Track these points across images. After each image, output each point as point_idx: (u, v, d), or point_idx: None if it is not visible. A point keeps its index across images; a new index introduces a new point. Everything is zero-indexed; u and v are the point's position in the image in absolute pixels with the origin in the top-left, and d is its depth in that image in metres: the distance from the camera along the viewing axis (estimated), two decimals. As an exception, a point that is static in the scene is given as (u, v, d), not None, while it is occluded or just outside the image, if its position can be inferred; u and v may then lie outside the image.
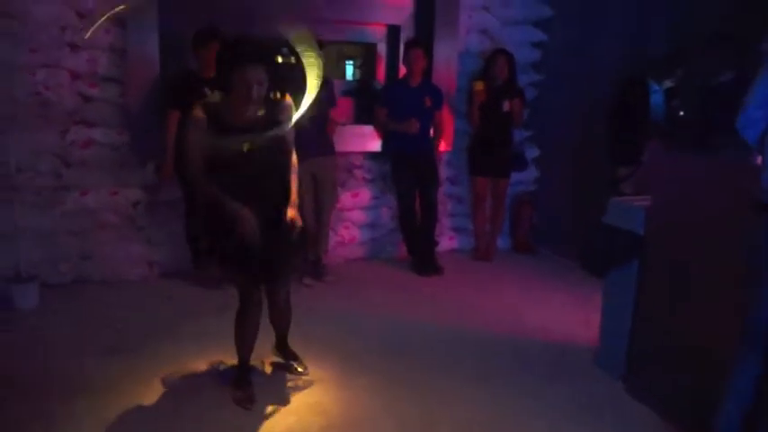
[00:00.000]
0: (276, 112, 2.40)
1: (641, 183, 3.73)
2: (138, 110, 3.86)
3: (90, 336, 3.19)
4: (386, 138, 4.50)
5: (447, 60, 4.66)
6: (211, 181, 2.34)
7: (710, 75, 3.83)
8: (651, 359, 2.69)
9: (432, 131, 4.50)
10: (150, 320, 3.41)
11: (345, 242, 4.71)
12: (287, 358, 2.88)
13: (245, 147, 2.32)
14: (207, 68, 3.65)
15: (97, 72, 3.81)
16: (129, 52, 3.80)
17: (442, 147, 4.62)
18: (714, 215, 2.34)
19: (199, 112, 2.32)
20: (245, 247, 2.35)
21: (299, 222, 2.46)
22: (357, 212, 4.72)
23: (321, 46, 4.02)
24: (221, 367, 2.83)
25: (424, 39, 4.50)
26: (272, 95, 2.41)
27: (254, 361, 2.76)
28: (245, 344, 2.61)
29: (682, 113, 4.10)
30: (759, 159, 2.05)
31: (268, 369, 2.89)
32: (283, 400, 2.62)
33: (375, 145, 4.57)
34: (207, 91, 3.51)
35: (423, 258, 4.53)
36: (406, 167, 4.43)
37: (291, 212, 2.44)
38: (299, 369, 2.84)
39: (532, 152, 5.11)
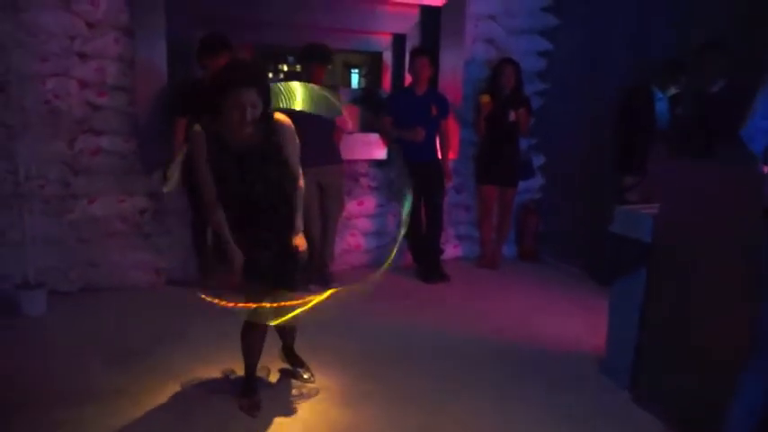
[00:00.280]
0: (271, 133, 2.39)
1: (648, 191, 3.72)
2: (146, 118, 3.89)
3: (98, 343, 3.20)
4: (391, 146, 4.52)
5: (453, 69, 4.69)
6: (217, 206, 2.39)
7: (702, 83, 3.84)
8: (658, 368, 2.68)
9: (438, 140, 4.50)
10: (158, 328, 3.42)
11: (351, 249, 4.72)
12: (293, 365, 2.89)
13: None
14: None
15: (106, 81, 3.84)
16: (137, 61, 3.84)
17: (451, 155, 4.62)
18: (722, 223, 2.34)
19: (198, 128, 2.35)
20: (248, 268, 2.41)
21: (305, 250, 2.52)
22: (363, 220, 4.73)
23: (329, 54, 4.07)
24: (232, 376, 2.84)
25: (429, 47, 4.53)
26: (267, 116, 2.39)
27: (260, 370, 2.77)
28: (251, 354, 2.62)
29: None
30: (766, 168, 2.05)
31: (275, 377, 2.90)
32: (289, 408, 2.62)
33: (381, 153, 4.59)
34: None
35: (428, 266, 4.53)
36: (412, 175, 4.43)
37: (298, 241, 2.50)
38: (305, 376, 2.85)
39: (538, 160, 5.11)
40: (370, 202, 4.71)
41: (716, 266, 2.37)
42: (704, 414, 2.31)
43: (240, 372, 2.73)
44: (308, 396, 2.73)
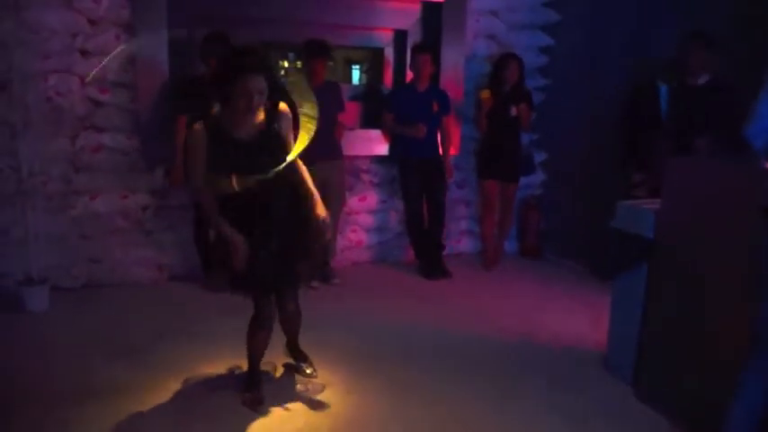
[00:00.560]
0: (274, 122, 2.40)
1: (656, 188, 3.71)
2: (148, 115, 3.89)
3: (101, 339, 3.21)
4: (393, 142, 4.52)
5: (454, 65, 4.68)
6: (213, 199, 2.36)
7: (687, 76, 3.83)
8: (660, 364, 2.68)
9: (439, 136, 4.50)
10: (160, 324, 3.43)
11: (353, 246, 4.73)
12: (297, 359, 2.91)
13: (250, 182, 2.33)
14: (215, 73, 3.68)
15: (107, 78, 3.84)
16: (138, 58, 3.84)
17: (451, 151, 4.62)
18: (724, 220, 2.34)
19: (198, 126, 2.33)
20: (255, 265, 2.39)
21: (328, 219, 2.48)
22: (364, 216, 4.73)
23: (330, 50, 4.07)
24: (237, 371, 2.85)
25: (431, 43, 4.52)
26: (267, 104, 2.39)
27: (266, 365, 2.79)
28: (256, 350, 2.63)
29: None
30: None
31: (279, 372, 2.91)
32: (292, 403, 2.63)
33: (382, 149, 4.59)
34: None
35: (430, 262, 4.53)
36: (414, 172, 4.44)
37: (320, 210, 2.47)
38: (308, 371, 2.86)
39: (539, 156, 5.11)
40: (372, 198, 4.72)
41: (717, 264, 2.37)
42: (706, 411, 2.32)
43: (245, 367, 2.74)
44: (311, 391, 2.75)
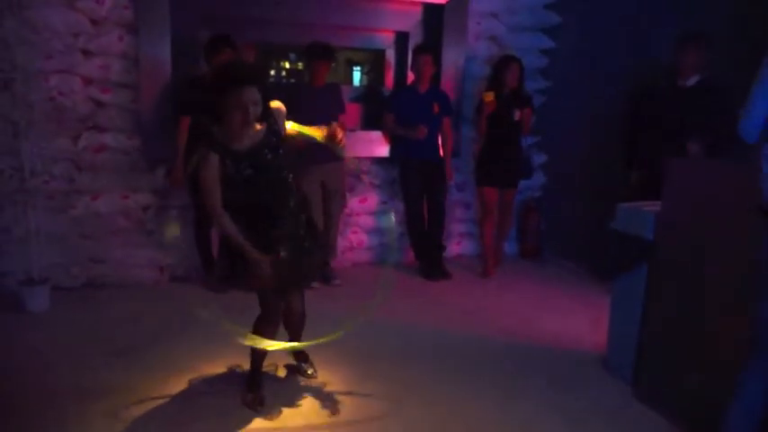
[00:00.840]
0: (271, 121, 2.40)
1: (652, 188, 3.73)
2: (150, 115, 3.91)
3: (101, 339, 3.22)
4: (394, 143, 4.53)
5: (455, 67, 4.69)
6: (229, 219, 2.35)
7: (678, 77, 3.85)
8: (660, 364, 2.69)
9: (440, 138, 4.50)
10: (161, 324, 3.44)
11: (353, 247, 4.74)
12: (298, 360, 2.91)
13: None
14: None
15: (110, 78, 3.86)
16: (141, 58, 3.85)
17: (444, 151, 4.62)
18: (724, 220, 2.35)
19: (209, 153, 2.30)
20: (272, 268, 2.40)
21: (340, 132, 2.48)
22: (365, 217, 4.74)
23: (332, 52, 4.09)
24: (238, 370, 2.86)
25: (432, 45, 4.53)
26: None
27: (267, 366, 2.80)
28: (260, 349, 2.62)
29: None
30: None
31: (280, 373, 2.92)
32: (293, 403, 2.64)
33: (383, 150, 4.60)
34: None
35: (430, 263, 4.54)
36: (414, 173, 4.45)
37: (336, 129, 2.47)
38: (309, 371, 2.87)
39: (540, 158, 5.12)
40: (373, 200, 4.73)
41: (717, 265, 2.38)
42: (706, 411, 2.32)
43: (246, 367, 2.75)
44: (312, 391, 2.75)
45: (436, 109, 4.37)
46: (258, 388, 2.64)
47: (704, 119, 3.66)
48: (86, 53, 3.80)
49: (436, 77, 4.54)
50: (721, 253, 2.36)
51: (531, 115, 4.54)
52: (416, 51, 4.37)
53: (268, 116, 2.38)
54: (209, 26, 3.98)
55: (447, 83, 4.65)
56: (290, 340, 2.90)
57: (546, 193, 5.29)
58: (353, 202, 4.61)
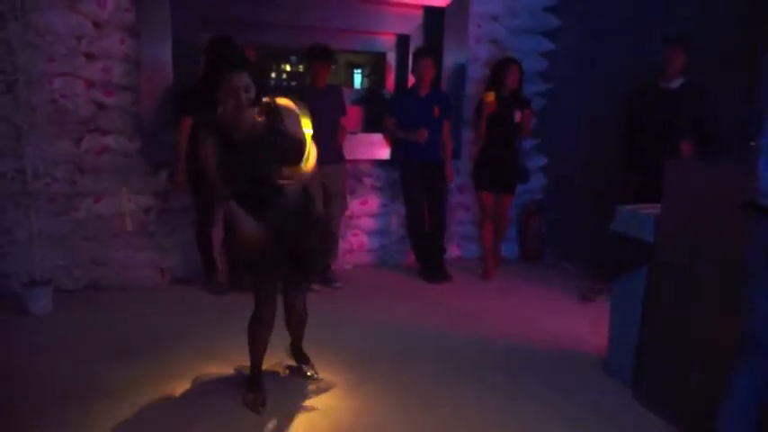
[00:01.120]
0: (277, 119, 2.40)
1: (646, 188, 3.75)
2: (152, 118, 3.92)
3: (102, 341, 3.23)
4: (394, 146, 4.54)
5: (456, 70, 4.71)
6: (227, 186, 2.37)
7: (662, 79, 3.88)
8: (660, 367, 2.69)
9: (442, 140, 4.51)
10: (162, 325, 3.45)
11: (354, 249, 4.75)
12: (299, 361, 2.92)
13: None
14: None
15: (111, 81, 3.88)
16: (142, 61, 3.87)
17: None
18: (724, 222, 2.35)
19: (207, 137, 2.36)
20: (267, 253, 2.40)
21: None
22: (366, 220, 4.75)
23: (332, 54, 4.11)
24: (244, 371, 2.82)
25: (433, 48, 4.55)
26: (268, 102, 2.40)
27: (273, 366, 2.83)
28: (257, 349, 2.64)
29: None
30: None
31: (281, 373, 2.92)
32: (294, 405, 2.64)
33: (384, 153, 4.61)
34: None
35: (431, 266, 4.55)
36: (415, 176, 4.47)
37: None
38: (309, 373, 2.88)
39: (540, 161, 5.13)
40: (374, 202, 4.74)
41: (717, 266, 2.38)
42: (706, 412, 2.32)
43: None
44: (313, 393, 2.76)
45: (437, 112, 4.38)
46: (259, 388, 2.65)
47: (690, 120, 3.73)
48: (88, 56, 3.82)
49: (437, 80, 4.55)
50: (721, 255, 2.36)
51: (532, 117, 4.53)
52: (417, 54, 4.38)
53: (274, 112, 2.38)
54: (211, 29, 3.99)
55: (447, 86, 4.66)
56: (291, 342, 2.92)
57: (546, 196, 5.30)
58: (354, 205, 4.62)
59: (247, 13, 4.19)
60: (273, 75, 5.31)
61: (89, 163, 3.91)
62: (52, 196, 3.83)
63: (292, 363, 2.95)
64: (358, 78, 5.35)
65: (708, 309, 2.43)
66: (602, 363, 3.10)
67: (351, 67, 5.34)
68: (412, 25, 4.69)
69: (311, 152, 2.49)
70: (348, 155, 4.31)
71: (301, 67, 5.18)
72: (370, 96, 4.89)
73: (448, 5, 4.57)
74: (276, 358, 2.92)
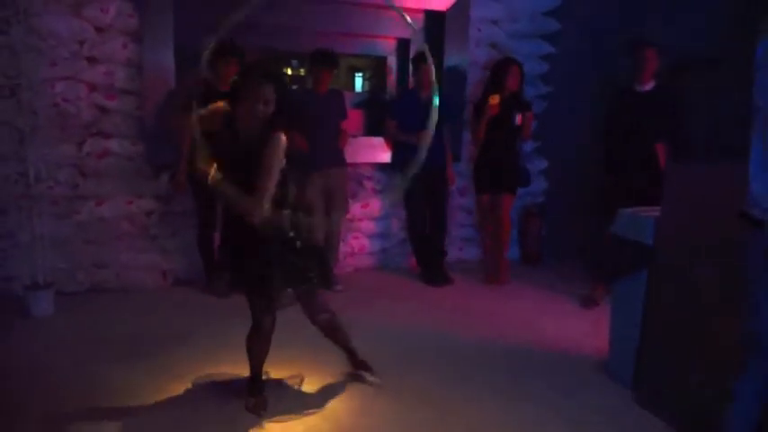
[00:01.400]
0: (266, 139, 2.36)
1: (629, 191, 3.81)
2: (154, 121, 3.94)
3: (104, 343, 3.24)
4: (395, 149, 4.55)
5: (456, 73, 4.72)
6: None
7: (637, 83, 3.90)
8: (660, 369, 2.70)
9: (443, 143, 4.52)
10: (164, 328, 3.46)
11: (355, 252, 4.76)
12: (357, 368, 2.89)
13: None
14: (222, 82, 3.75)
15: (114, 85, 3.90)
16: (145, 65, 3.89)
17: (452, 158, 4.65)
18: (724, 225, 2.36)
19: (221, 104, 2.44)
20: (259, 273, 2.42)
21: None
22: (367, 223, 4.77)
23: (335, 59, 4.13)
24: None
25: (433, 52, 4.55)
26: (271, 127, 2.38)
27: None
28: (255, 357, 2.65)
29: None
30: None
31: (282, 377, 2.93)
32: (295, 408, 2.64)
33: (385, 156, 4.63)
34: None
35: (432, 268, 4.56)
36: (416, 179, 4.46)
37: (250, 205, 2.31)
38: (370, 379, 2.85)
39: (541, 164, 5.15)
40: (375, 205, 4.75)
41: (717, 269, 2.39)
42: (706, 415, 2.33)
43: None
44: (315, 396, 2.76)
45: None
46: (260, 392, 2.65)
47: (665, 122, 3.79)
48: (91, 60, 3.85)
49: (437, 83, 4.55)
50: (721, 257, 2.37)
51: (533, 120, 4.50)
52: (417, 58, 4.40)
53: (267, 132, 2.35)
54: (213, 33, 4.00)
55: (448, 89, 4.67)
56: (348, 354, 2.88)
57: (547, 198, 5.31)
58: (355, 208, 4.64)
59: (250, 16, 4.19)
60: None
61: (91, 166, 3.93)
62: (55, 199, 3.85)
63: (352, 371, 2.90)
64: (359, 82, 5.37)
65: (708, 311, 2.43)
66: (603, 365, 3.10)
67: (352, 70, 5.37)
68: (413, 29, 4.70)
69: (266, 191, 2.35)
70: (349, 158, 4.33)
71: (302, 71, 5.20)
72: (372, 100, 4.91)
73: (448, 9, 4.59)
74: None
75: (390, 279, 4.63)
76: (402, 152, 4.48)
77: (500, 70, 4.37)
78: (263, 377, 2.74)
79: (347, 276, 4.50)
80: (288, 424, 2.53)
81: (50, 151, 3.77)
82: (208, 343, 3.24)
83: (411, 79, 4.58)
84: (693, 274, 2.50)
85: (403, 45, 4.77)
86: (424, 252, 4.62)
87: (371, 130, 4.75)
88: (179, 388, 2.77)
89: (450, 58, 4.69)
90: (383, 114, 4.59)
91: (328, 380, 2.89)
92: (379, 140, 4.61)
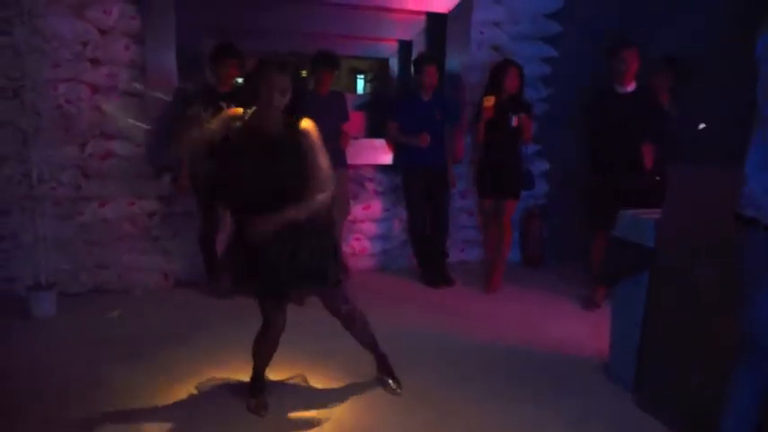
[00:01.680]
0: (298, 135, 2.37)
1: (617, 191, 3.85)
2: (156, 123, 3.95)
3: (106, 344, 3.25)
4: (397, 151, 4.56)
5: (458, 75, 4.73)
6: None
7: (618, 84, 3.92)
8: (661, 371, 2.70)
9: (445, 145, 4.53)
10: (166, 329, 3.47)
11: (356, 253, 4.77)
12: (382, 374, 2.88)
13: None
14: (223, 83, 3.77)
15: (117, 86, 3.91)
16: (147, 67, 3.91)
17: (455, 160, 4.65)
18: (724, 227, 2.36)
19: (234, 110, 2.43)
20: (264, 270, 2.39)
21: (262, 230, 2.33)
22: (368, 224, 4.77)
23: (337, 60, 4.14)
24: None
25: (435, 54, 4.57)
26: (294, 118, 2.41)
27: (295, 378, 2.86)
28: (261, 357, 2.65)
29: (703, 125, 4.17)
30: None
31: (283, 378, 2.93)
32: (296, 409, 2.65)
33: (386, 158, 4.63)
34: (223, 105, 3.61)
35: (433, 270, 4.56)
36: (417, 180, 4.48)
37: (259, 223, 2.32)
38: (393, 386, 2.83)
39: (542, 166, 5.15)
40: (376, 207, 4.76)
41: (718, 271, 2.39)
42: (707, 418, 2.33)
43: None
44: (316, 397, 2.77)
45: (439, 116, 4.40)
46: (261, 393, 2.66)
47: (648, 123, 3.82)
48: (94, 62, 3.86)
49: (439, 86, 4.57)
50: (721, 259, 2.37)
51: (530, 122, 4.36)
52: (420, 60, 4.41)
53: (295, 128, 2.37)
54: (215, 35, 4.03)
55: (450, 91, 4.68)
56: (378, 356, 2.89)
57: (548, 200, 5.31)
58: (357, 209, 4.64)
59: (252, 19, 4.23)
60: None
61: (94, 167, 3.94)
62: (57, 200, 3.86)
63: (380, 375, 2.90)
64: (361, 84, 5.39)
65: (709, 313, 2.43)
66: (604, 367, 3.10)
67: (354, 72, 5.39)
68: (414, 31, 4.71)
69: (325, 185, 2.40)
70: (350, 160, 4.34)
71: (304, 73, 5.22)
72: (373, 101, 4.92)
73: (450, 12, 4.60)
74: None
75: (391, 280, 4.64)
76: (403, 154, 4.50)
77: (498, 72, 4.32)
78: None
79: (348, 278, 4.50)
80: (288, 425, 2.54)
81: (53, 152, 3.78)
82: (208, 344, 3.25)
83: (413, 81, 4.58)
84: (694, 275, 2.50)
85: (405, 47, 4.78)
86: (425, 253, 4.62)
87: (373, 131, 4.75)
88: (180, 389, 2.77)
89: (452, 61, 4.69)
90: (385, 116, 4.60)
91: (329, 381, 2.90)
92: (380, 142, 4.62)
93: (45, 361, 3.03)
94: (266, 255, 2.37)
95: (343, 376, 2.96)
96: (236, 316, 3.58)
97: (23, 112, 3.61)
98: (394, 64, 4.88)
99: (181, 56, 3.98)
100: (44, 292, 3.63)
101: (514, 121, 4.26)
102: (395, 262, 4.91)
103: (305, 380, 2.90)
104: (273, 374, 2.89)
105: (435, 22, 4.67)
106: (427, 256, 4.62)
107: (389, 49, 4.82)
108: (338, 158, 4.18)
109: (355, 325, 2.76)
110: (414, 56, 4.60)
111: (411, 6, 4.55)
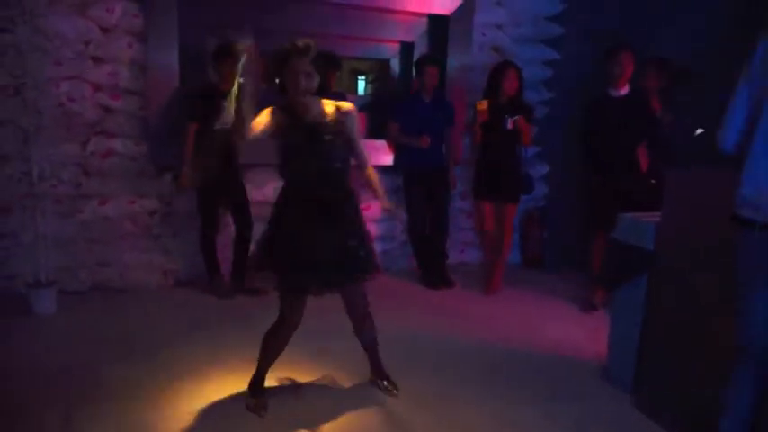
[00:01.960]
0: (341, 116, 2.50)
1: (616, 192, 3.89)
2: (157, 121, 3.96)
3: (106, 342, 3.25)
4: (398, 152, 4.57)
5: (459, 77, 4.74)
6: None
7: (612, 88, 3.94)
8: (660, 374, 2.70)
9: (445, 146, 4.53)
10: (166, 327, 3.47)
11: (356, 254, 4.76)
12: (377, 378, 2.88)
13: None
14: (226, 82, 3.77)
15: (118, 85, 3.92)
16: (149, 66, 3.91)
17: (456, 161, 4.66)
18: (724, 230, 2.36)
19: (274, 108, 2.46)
20: (299, 253, 2.42)
21: (394, 210, 2.63)
22: (369, 225, 4.75)
23: (338, 61, 4.14)
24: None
25: (437, 56, 4.58)
26: (335, 102, 2.53)
27: (283, 379, 2.86)
28: (268, 356, 2.64)
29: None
30: None
31: (282, 378, 2.94)
32: (295, 409, 2.65)
33: (387, 159, 4.64)
34: (225, 104, 3.63)
35: (433, 271, 4.57)
36: (417, 181, 4.49)
37: (386, 204, 2.69)
38: (389, 387, 2.83)
39: (542, 169, 5.15)
40: (377, 207, 4.75)
41: (717, 274, 2.39)
42: (706, 421, 2.33)
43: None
44: (316, 398, 2.77)
45: (440, 118, 4.40)
46: (262, 393, 2.66)
47: (643, 126, 3.86)
48: (96, 60, 3.87)
49: (440, 87, 4.58)
50: (721, 261, 2.37)
51: (528, 125, 4.27)
52: (421, 61, 4.41)
53: (339, 109, 2.49)
54: (217, 35, 4.03)
55: (451, 93, 4.69)
56: (375, 360, 2.89)
57: (548, 203, 5.32)
58: (357, 210, 4.63)
59: (254, 18, 4.22)
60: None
61: (95, 166, 3.95)
62: (58, 198, 3.86)
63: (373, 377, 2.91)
64: (361, 85, 5.39)
65: (708, 314, 2.44)
66: (603, 370, 3.11)
67: (355, 73, 5.39)
68: (416, 33, 4.72)
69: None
70: (351, 161, 4.33)
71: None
72: (374, 103, 4.93)
73: (452, 14, 4.61)
74: (295, 372, 2.94)
75: (391, 282, 4.63)
76: (404, 155, 4.51)
77: (497, 74, 4.26)
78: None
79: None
80: (288, 425, 2.53)
81: (54, 150, 3.78)
82: (208, 343, 3.25)
83: (414, 82, 4.59)
84: (693, 277, 2.51)
85: (407, 48, 4.78)
86: (425, 255, 4.63)
87: (374, 132, 4.76)
88: (180, 387, 2.77)
89: (454, 62, 4.70)
90: (385, 117, 4.61)
91: (329, 382, 2.90)
92: (381, 143, 4.62)
93: (45, 359, 3.03)
94: (318, 241, 2.42)
95: (344, 377, 2.96)
96: (237, 316, 3.59)
97: (25, 111, 3.61)
98: (395, 65, 4.88)
99: (183, 54, 3.98)
100: (44, 289, 3.63)
101: (510, 124, 4.19)
102: (395, 263, 4.91)
103: (305, 380, 2.90)
104: (273, 374, 2.90)
105: (437, 23, 4.68)
106: (427, 257, 4.62)
107: (391, 51, 4.83)
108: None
109: (365, 325, 2.77)
110: (415, 57, 4.61)
111: (413, 8, 4.56)
